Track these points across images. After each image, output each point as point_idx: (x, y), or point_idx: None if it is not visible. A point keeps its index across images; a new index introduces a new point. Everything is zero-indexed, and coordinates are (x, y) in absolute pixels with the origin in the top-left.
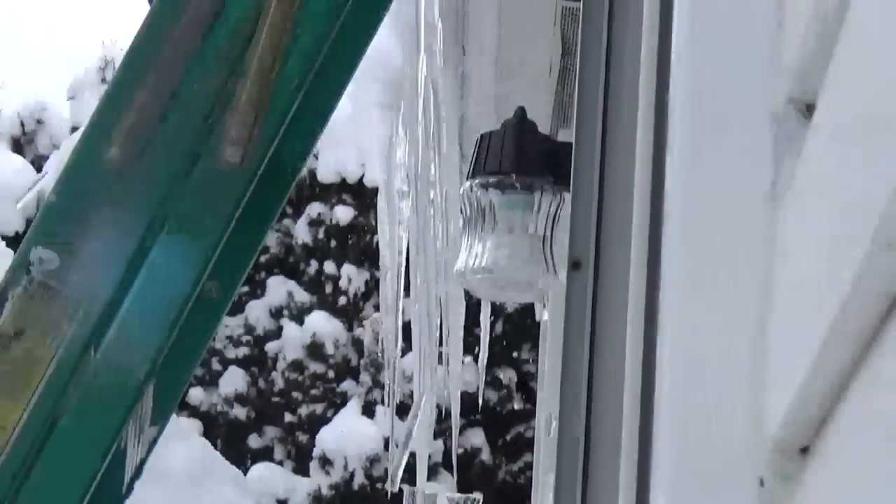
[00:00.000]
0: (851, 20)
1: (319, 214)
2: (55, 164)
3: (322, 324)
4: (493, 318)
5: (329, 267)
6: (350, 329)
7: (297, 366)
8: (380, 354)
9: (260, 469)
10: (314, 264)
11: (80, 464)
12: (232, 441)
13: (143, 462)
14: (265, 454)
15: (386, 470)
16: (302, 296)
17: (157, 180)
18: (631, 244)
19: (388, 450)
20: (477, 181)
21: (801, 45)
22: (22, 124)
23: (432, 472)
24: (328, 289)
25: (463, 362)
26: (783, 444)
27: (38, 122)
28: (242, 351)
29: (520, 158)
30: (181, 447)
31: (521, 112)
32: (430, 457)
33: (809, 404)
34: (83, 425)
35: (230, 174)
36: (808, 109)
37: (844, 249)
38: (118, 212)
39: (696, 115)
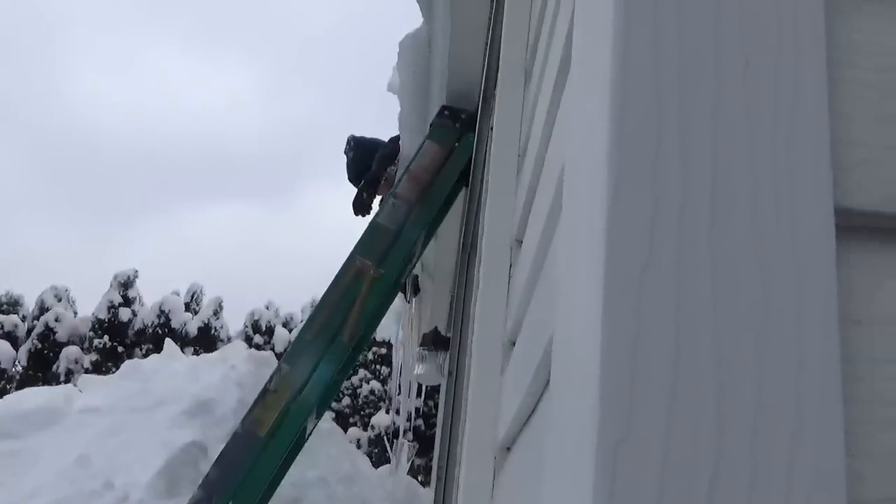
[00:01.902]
0: (530, 310)
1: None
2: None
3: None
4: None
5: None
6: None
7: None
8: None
9: None
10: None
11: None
12: None
13: None
14: None
15: None
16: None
17: (319, 346)
18: (468, 373)
19: None
20: (421, 347)
21: (513, 318)
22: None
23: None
24: None
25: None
26: (502, 445)
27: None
28: None
29: (434, 342)
30: None
31: (435, 328)
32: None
33: (512, 430)
34: (291, 426)
35: (346, 345)
36: (512, 344)
37: None
38: (306, 357)
39: (480, 339)
